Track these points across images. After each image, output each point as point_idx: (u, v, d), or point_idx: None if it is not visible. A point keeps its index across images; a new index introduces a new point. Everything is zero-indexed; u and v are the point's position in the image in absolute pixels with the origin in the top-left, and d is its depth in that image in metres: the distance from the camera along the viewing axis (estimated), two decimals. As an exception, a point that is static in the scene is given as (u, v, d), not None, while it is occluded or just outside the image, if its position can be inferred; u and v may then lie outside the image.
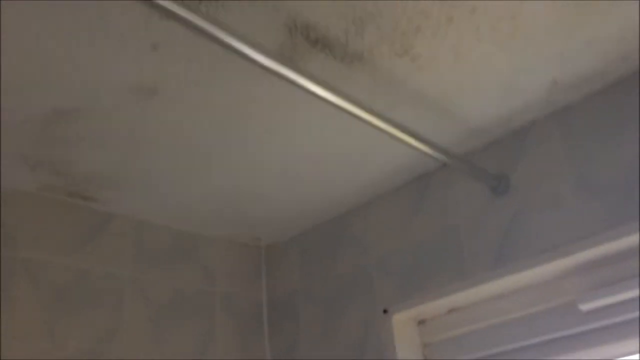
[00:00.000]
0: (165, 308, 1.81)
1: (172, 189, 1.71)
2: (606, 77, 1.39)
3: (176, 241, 1.92)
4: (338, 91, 1.14)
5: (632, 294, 1.36)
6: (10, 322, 1.50)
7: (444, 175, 1.68)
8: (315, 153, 1.60)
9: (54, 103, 1.33)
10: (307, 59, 1.25)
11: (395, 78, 1.33)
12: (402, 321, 1.72)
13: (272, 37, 1.19)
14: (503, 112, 1.48)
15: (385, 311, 1.74)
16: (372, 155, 1.62)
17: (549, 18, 1.19)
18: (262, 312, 2.06)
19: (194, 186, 1.71)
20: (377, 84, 1.34)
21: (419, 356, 1.71)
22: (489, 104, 1.45)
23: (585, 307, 1.40)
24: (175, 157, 1.57)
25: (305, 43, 1.21)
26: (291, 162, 1.63)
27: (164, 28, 1.14)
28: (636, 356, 1.37)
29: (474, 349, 1.62)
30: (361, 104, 1.19)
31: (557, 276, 1.49)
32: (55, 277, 1.62)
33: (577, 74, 1.37)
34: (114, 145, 1.49)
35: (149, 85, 1.30)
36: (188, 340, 1.82)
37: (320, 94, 1.12)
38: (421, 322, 1.75)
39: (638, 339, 1.36)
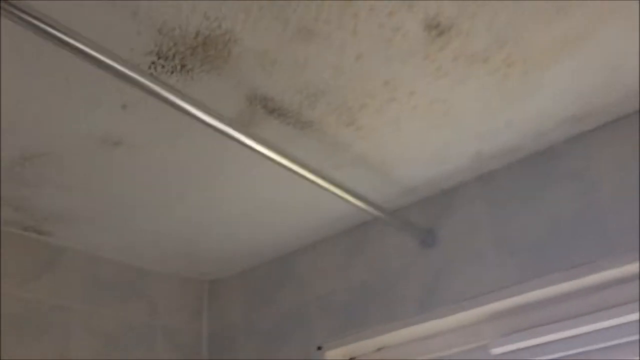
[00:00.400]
0: (112, 339, 1.89)
1: (124, 227, 1.81)
2: (523, 151, 1.59)
3: (124, 275, 2.01)
4: (287, 154, 1.29)
5: (539, 340, 1.56)
6: (-39, 352, 1.56)
7: (379, 227, 1.85)
8: (265, 202, 1.73)
9: (24, 146, 1.42)
10: (263, 125, 1.39)
11: (341, 144, 1.49)
12: (334, 358, 1.86)
13: (234, 105, 1.33)
14: (434, 175, 1.67)
15: (319, 348, 1.88)
16: (316, 206, 1.77)
17: (476, 102, 1.38)
18: (202, 345, 2.16)
19: (146, 226, 1.81)
20: (324, 148, 1.50)
21: (349, 391, 1.86)
22: (421, 168, 1.63)
23: (495, 351, 1.59)
24: (131, 201, 1.67)
25: (263, 111, 1.36)
26: (242, 209, 1.76)
27: (134, 91, 1.26)
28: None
29: (399, 386, 1.78)
30: (307, 165, 1.34)
31: (474, 322, 1.67)
32: (8, 308, 1.68)
33: (498, 148, 1.57)
34: (74, 187, 1.59)
35: (115, 138, 1.41)
36: (131, 371, 1.91)
37: (268, 155, 1.25)
38: (352, 359, 1.90)
39: (541, 381, 1.55)
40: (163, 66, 1.20)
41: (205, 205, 1.72)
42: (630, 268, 1.43)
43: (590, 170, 1.51)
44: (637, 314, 1.42)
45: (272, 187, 1.66)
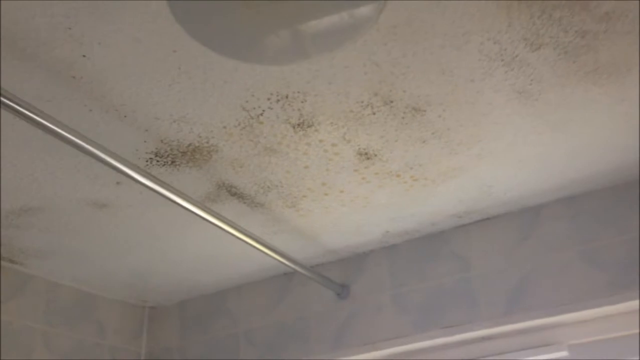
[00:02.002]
0: (67, 357, 2.20)
1: (85, 263, 2.14)
2: (420, 233, 2.07)
3: (80, 300, 2.32)
4: (229, 220, 1.67)
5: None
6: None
7: (303, 278, 2.27)
8: (206, 253, 2.11)
9: (24, 202, 1.73)
10: (225, 203, 1.79)
11: (282, 219, 1.90)
12: (258, 382, 2.27)
13: (205, 189, 1.71)
14: (351, 243, 2.11)
15: (245, 373, 2.27)
16: (250, 258, 2.16)
17: (388, 201, 1.83)
18: (140, 364, 2.50)
19: (103, 263, 2.14)
20: (269, 220, 1.91)
21: (268, 410, 2.26)
22: (342, 238, 2.07)
23: (388, 386, 2.05)
24: (97, 244, 2.00)
25: (227, 194, 1.75)
26: (186, 257, 2.13)
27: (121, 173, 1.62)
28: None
29: (309, 408, 2.20)
30: (245, 230, 1.71)
31: (374, 361, 2.12)
32: (-17, 329, 1.97)
33: (402, 229, 2.03)
34: (55, 232, 1.91)
35: (102, 202, 1.76)
36: (81, 385, 2.23)
37: (215, 222, 1.61)
38: (272, 384, 2.30)
39: (419, 411, 2.01)
40: (158, 161, 1.57)
41: (156, 251, 2.07)
42: (494, 330, 1.92)
43: (467, 253, 2.00)
44: (491, 365, 1.91)
45: (215, 243, 2.03)
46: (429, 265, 2.06)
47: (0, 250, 1.99)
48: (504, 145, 1.61)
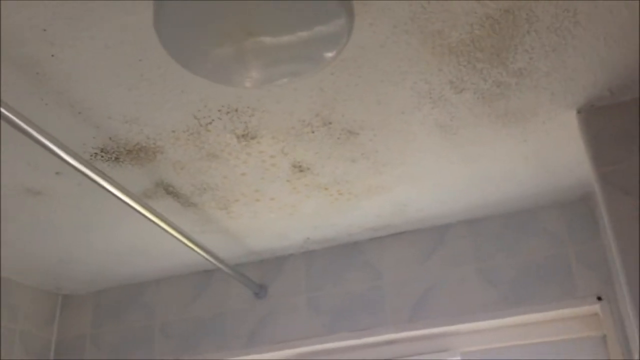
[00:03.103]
0: (-21, 341, 2.19)
1: (6, 246, 2.14)
2: (337, 242, 2.24)
3: (-5, 284, 2.32)
4: (162, 215, 1.76)
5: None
6: None
7: (222, 276, 2.38)
8: (129, 244, 2.18)
9: (-44, 185, 1.75)
10: (160, 200, 1.87)
11: (212, 219, 2.01)
12: (170, 374, 2.35)
13: (143, 186, 1.80)
14: (273, 246, 2.25)
15: (158, 364, 2.35)
16: (175, 253, 2.25)
17: (313, 210, 1.98)
18: (50, 351, 2.51)
19: (27, 247, 2.16)
20: (200, 220, 2.01)
21: (178, 401, 2.35)
22: (265, 241, 2.20)
23: (297, 383, 2.20)
24: (24, 228, 2.03)
25: (163, 192, 1.84)
26: (106, 248, 2.19)
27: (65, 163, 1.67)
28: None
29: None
30: (176, 226, 1.81)
31: (286, 358, 2.26)
32: None
33: (322, 237, 2.19)
34: (-15, 216, 1.92)
35: (37, 190, 1.80)
36: (-10, 369, 2.23)
37: (148, 216, 1.70)
38: (184, 376, 2.39)
39: (323, 406, 2.17)
40: (102, 156, 1.64)
41: (82, 241, 2.12)
42: (398, 335, 2.11)
43: (379, 263, 2.19)
44: (392, 367, 2.11)
45: (144, 237, 2.12)
46: (343, 272, 2.23)
47: None
48: (422, 170, 1.80)
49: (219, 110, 1.49)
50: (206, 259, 1.99)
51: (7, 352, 2.30)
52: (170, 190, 1.84)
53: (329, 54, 1.10)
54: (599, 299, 1.93)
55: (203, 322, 2.35)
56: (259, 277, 2.34)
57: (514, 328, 2.05)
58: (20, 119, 1.26)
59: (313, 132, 1.60)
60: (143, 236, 2.11)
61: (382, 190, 1.90)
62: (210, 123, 1.54)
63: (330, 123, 1.57)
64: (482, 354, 2.07)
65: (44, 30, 1.20)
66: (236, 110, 1.49)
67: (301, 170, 1.76)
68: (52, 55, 1.27)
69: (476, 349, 2.09)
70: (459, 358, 2.08)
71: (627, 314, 1.77)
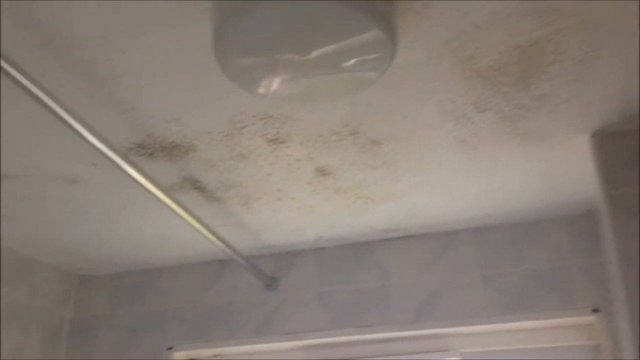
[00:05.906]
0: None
1: (36, 228, 2.23)
2: (349, 241, 2.34)
3: (15, 262, 2.40)
4: (185, 206, 1.85)
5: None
6: None
7: (237, 266, 2.47)
8: (149, 233, 2.27)
9: (5, 168, 1.83)
10: (187, 193, 1.96)
11: (233, 213, 2.10)
12: (180, 358, 2.45)
13: (172, 180, 1.88)
14: (286, 242, 2.34)
15: (169, 348, 2.45)
16: (192, 242, 2.34)
17: (330, 211, 2.07)
18: (64, 329, 2.60)
19: (55, 230, 2.25)
20: (221, 213, 2.10)
21: (187, 384, 2.45)
22: (280, 236, 2.30)
23: (302, 373, 2.30)
24: (56, 212, 2.11)
25: (190, 186, 1.92)
26: (129, 235, 2.28)
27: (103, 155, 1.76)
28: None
29: (226, 386, 2.42)
30: (197, 217, 1.90)
31: (293, 349, 2.36)
32: None
33: (334, 236, 2.29)
34: (20, 198, 2.00)
35: (73, 178, 1.88)
36: (7, 344, 2.32)
37: (173, 207, 1.79)
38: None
39: (326, 397, 2.28)
40: (138, 151, 1.73)
41: (108, 225, 2.21)
42: (401, 334, 2.22)
43: (387, 264, 2.29)
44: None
45: (165, 226, 2.21)
46: (353, 270, 2.33)
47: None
48: (438, 180, 1.90)
49: (254, 116, 1.58)
50: (222, 250, 2.08)
51: (24, 327, 2.39)
52: (197, 186, 1.92)
53: (372, 76, 1.19)
54: (596, 310, 2.04)
55: (215, 310, 2.45)
56: (271, 269, 2.43)
57: (513, 333, 2.15)
58: (66, 112, 1.33)
59: (340, 140, 1.68)
60: (166, 225, 2.20)
61: (397, 197, 1.99)
62: (244, 127, 1.62)
63: (357, 133, 1.65)
64: (481, 355, 2.18)
65: (104, 37, 1.28)
66: (270, 117, 1.58)
67: (324, 174, 1.85)
68: (107, 59, 1.35)
69: (475, 350, 2.20)
70: (458, 358, 2.19)
71: (622, 327, 1.88)
